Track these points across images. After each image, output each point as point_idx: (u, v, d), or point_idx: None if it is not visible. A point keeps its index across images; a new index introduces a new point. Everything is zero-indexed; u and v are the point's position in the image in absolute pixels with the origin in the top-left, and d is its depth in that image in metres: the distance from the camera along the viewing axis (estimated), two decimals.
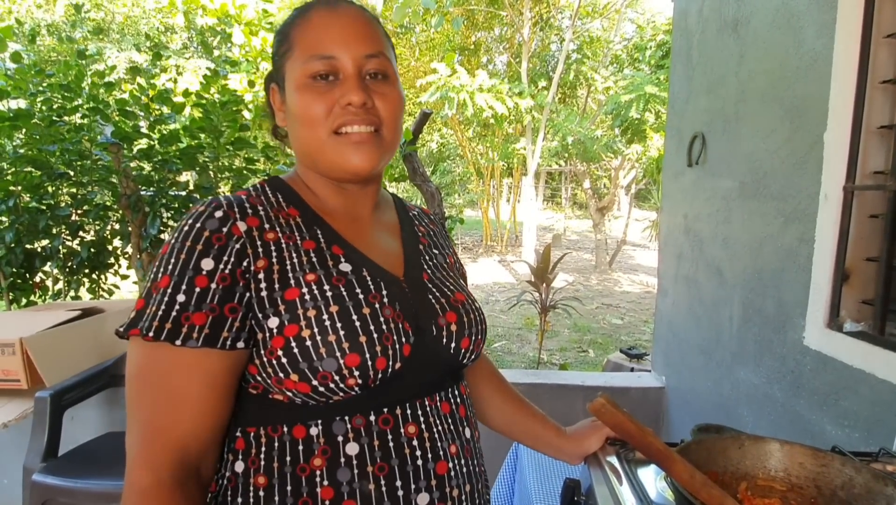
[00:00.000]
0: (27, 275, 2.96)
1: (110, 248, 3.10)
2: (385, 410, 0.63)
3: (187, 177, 3.11)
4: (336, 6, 0.68)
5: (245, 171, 3.08)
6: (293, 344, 0.59)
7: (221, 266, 0.59)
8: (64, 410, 1.81)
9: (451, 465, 0.65)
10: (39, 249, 2.90)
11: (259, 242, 0.63)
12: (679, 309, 2.19)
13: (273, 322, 0.60)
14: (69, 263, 2.99)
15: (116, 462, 1.84)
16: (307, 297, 0.61)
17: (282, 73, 0.69)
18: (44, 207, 2.81)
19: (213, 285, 0.59)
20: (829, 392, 1.28)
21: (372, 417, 0.62)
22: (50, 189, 2.87)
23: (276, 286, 0.61)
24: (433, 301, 0.70)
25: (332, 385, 0.59)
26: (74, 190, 2.96)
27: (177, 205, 2.95)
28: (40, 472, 1.66)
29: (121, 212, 2.93)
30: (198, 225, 0.61)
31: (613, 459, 0.85)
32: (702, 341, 1.97)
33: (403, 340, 0.63)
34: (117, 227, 3.05)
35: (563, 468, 1.28)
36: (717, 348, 1.85)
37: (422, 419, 0.65)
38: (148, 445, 0.57)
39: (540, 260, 5.07)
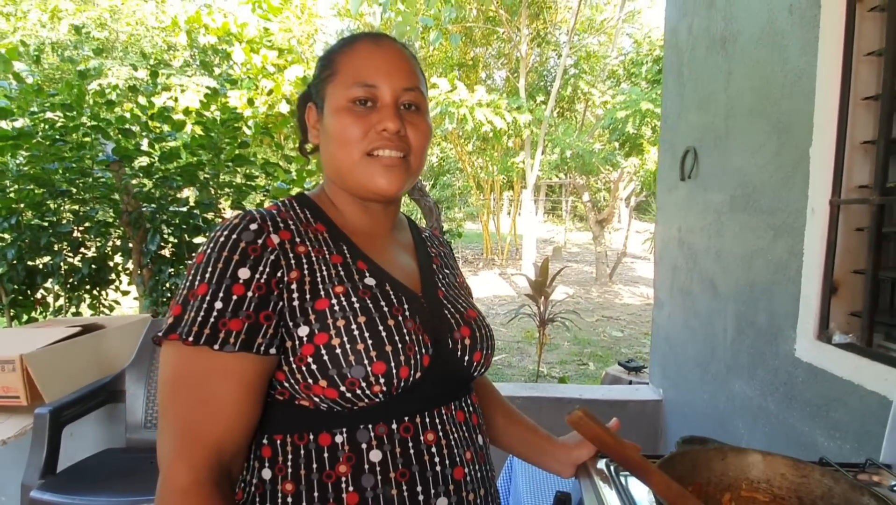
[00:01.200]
0: (28, 291, 2.98)
1: (111, 264, 3.12)
2: (406, 418, 0.66)
3: (188, 193, 3.15)
4: (380, 41, 0.74)
5: (245, 188, 3.12)
6: (323, 351, 0.63)
7: (257, 276, 0.63)
8: (63, 426, 1.82)
9: (466, 470, 0.69)
10: (41, 266, 2.93)
11: (291, 255, 0.67)
12: (675, 321, 2.21)
13: (303, 330, 0.64)
14: (70, 280, 3.01)
15: (115, 479, 1.85)
16: (336, 307, 0.65)
17: (322, 94, 0.74)
18: (46, 224, 2.84)
19: (250, 294, 0.62)
20: (820, 404, 1.29)
21: (394, 426, 0.66)
22: (52, 206, 2.90)
23: (308, 296, 0.65)
24: (449, 316, 0.75)
25: (358, 391, 0.63)
26: (76, 207, 2.99)
27: (177, 221, 2.98)
28: (38, 488, 1.66)
29: (122, 228, 2.96)
30: (234, 236, 0.64)
31: (603, 469, 0.86)
32: (697, 354, 1.99)
33: (423, 351, 0.67)
34: (118, 243, 3.08)
35: (555, 482, 1.28)
36: (713, 361, 1.86)
37: (440, 427, 0.69)
38: (187, 445, 0.60)
39: (538, 273, 5.08)
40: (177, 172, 2.94)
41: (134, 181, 2.95)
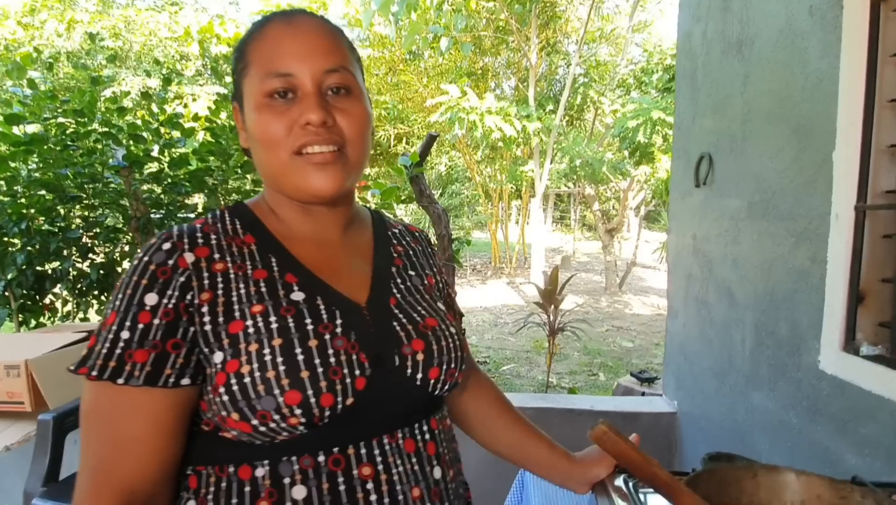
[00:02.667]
0: (37, 297, 2.98)
1: (119, 270, 3.12)
2: (336, 449, 0.59)
3: (197, 199, 3.15)
4: (293, 19, 0.64)
5: (253, 193, 3.11)
6: (233, 381, 0.56)
7: (165, 300, 0.58)
8: (66, 433, 1.79)
9: None
10: (50, 271, 2.93)
11: (206, 274, 0.61)
12: (690, 331, 2.15)
13: (218, 357, 0.58)
14: (79, 285, 3.01)
15: None
16: (251, 329, 0.59)
17: (240, 91, 0.67)
18: (55, 230, 2.85)
19: (157, 321, 0.57)
20: (847, 418, 1.24)
21: (321, 458, 0.58)
22: (62, 212, 2.91)
23: (221, 319, 0.59)
24: (398, 328, 0.66)
25: (272, 424, 0.56)
26: (86, 213, 3.00)
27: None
28: (41, 496, 1.64)
29: (131, 234, 2.96)
30: (145, 259, 0.60)
31: (622, 487, 0.82)
32: (714, 365, 1.93)
33: (357, 372, 0.60)
34: (127, 249, 3.07)
35: (571, 499, 1.23)
36: (730, 372, 1.80)
37: (379, 459, 0.60)
38: (95, 488, 0.56)
39: (548, 282, 5.03)
40: (186, 179, 2.94)
41: (143, 187, 2.96)
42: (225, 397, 0.57)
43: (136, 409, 0.57)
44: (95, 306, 3.12)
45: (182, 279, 0.59)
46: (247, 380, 0.56)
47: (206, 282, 0.60)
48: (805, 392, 1.39)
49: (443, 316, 0.72)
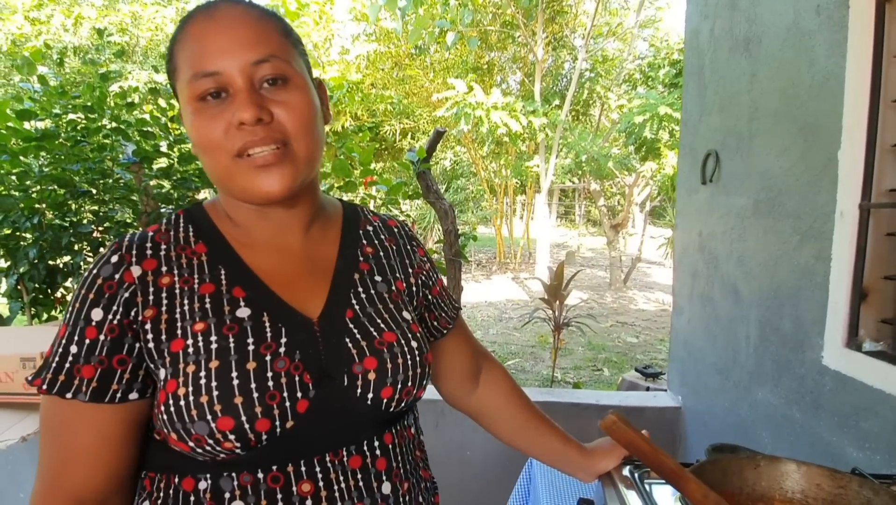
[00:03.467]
0: (49, 290, 3.02)
1: None
2: (275, 467, 0.58)
3: (205, 194, 3.18)
4: (214, 11, 0.59)
5: None
6: (171, 402, 0.56)
7: (110, 316, 0.57)
8: None
9: None
10: (61, 265, 2.97)
11: (151, 289, 0.59)
12: (695, 327, 2.17)
13: (162, 374, 0.58)
14: None
15: None
16: (191, 349, 0.57)
17: (176, 96, 0.63)
18: (66, 224, 2.89)
19: (102, 337, 0.57)
20: (849, 413, 1.26)
21: (260, 475, 0.58)
22: (73, 207, 2.95)
23: (164, 337, 0.58)
24: (350, 345, 0.63)
25: (208, 448, 0.56)
26: (96, 207, 3.03)
27: None
28: None
29: (141, 229, 2.99)
30: (94, 271, 0.59)
31: (628, 476, 0.84)
32: (718, 361, 1.95)
33: (299, 395, 0.58)
34: None
35: (577, 488, 1.26)
36: (734, 368, 1.82)
37: (320, 476, 0.59)
38: (45, 494, 0.58)
39: (553, 277, 5.05)
40: (195, 174, 2.97)
41: (153, 182, 2.99)
42: (164, 417, 0.56)
43: (84, 422, 0.57)
44: None
45: (126, 295, 0.58)
46: (182, 403, 0.55)
47: (150, 298, 0.59)
48: (808, 387, 1.41)
49: (405, 329, 0.67)
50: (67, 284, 3.04)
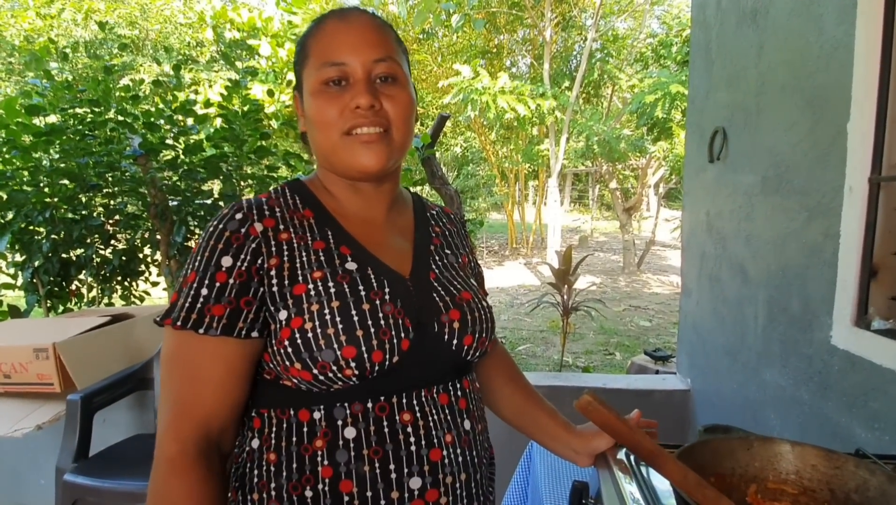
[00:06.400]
0: (63, 283, 3.08)
1: (140, 255, 3.20)
2: (382, 398, 0.67)
3: (212, 185, 3.19)
4: (347, 16, 0.72)
5: (267, 179, 3.14)
6: (297, 335, 0.64)
7: (239, 263, 0.66)
8: (94, 412, 1.87)
9: (445, 453, 0.68)
10: (74, 258, 3.02)
11: (273, 242, 0.68)
12: (703, 309, 2.14)
13: (283, 315, 0.66)
14: (102, 271, 3.10)
15: (144, 463, 1.89)
16: (312, 292, 0.66)
17: (300, 81, 0.75)
18: (78, 218, 2.92)
19: (231, 281, 0.65)
20: (857, 393, 1.23)
21: (369, 404, 0.66)
22: (83, 200, 2.98)
23: (286, 282, 0.67)
24: (437, 299, 0.73)
25: (330, 374, 0.64)
26: (106, 201, 3.07)
27: (202, 213, 3.03)
28: (71, 472, 1.72)
29: (150, 221, 3.02)
30: (220, 226, 0.67)
31: (623, 460, 0.83)
32: (726, 342, 1.92)
33: (402, 335, 0.67)
34: (147, 235, 3.14)
35: (573, 471, 1.25)
36: (743, 349, 1.79)
37: (417, 408, 0.68)
38: (176, 419, 0.64)
39: (561, 262, 5.01)
40: (201, 165, 2.99)
41: (160, 174, 3.01)
42: (289, 349, 0.64)
43: (214, 355, 0.65)
44: (119, 291, 3.21)
45: (253, 245, 0.67)
46: (309, 335, 0.64)
47: (273, 249, 0.68)
48: (816, 368, 1.38)
49: (475, 291, 0.79)
50: (81, 276, 3.09)
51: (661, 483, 0.77)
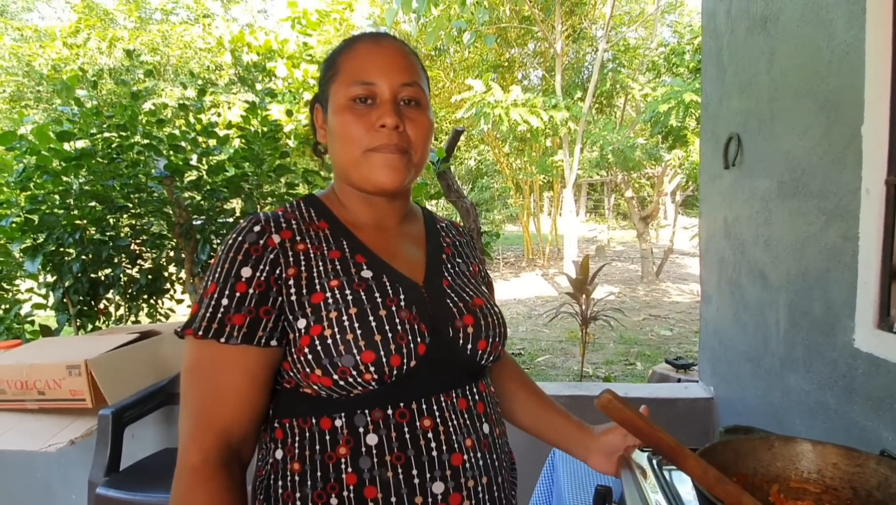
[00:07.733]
0: (92, 302, 3.17)
1: (166, 274, 3.28)
2: (402, 404, 0.68)
3: (234, 204, 3.27)
4: (379, 39, 0.76)
5: (287, 196, 3.21)
6: (317, 342, 0.66)
7: (258, 274, 0.68)
8: (125, 426, 1.92)
9: (465, 457, 0.69)
10: (103, 278, 3.11)
11: (290, 253, 0.71)
12: (724, 316, 2.12)
13: (301, 323, 0.67)
14: (129, 290, 3.18)
15: (173, 476, 1.94)
16: (330, 300, 0.68)
17: (326, 95, 0.77)
18: (106, 238, 3.02)
19: (251, 291, 0.67)
20: (883, 396, 1.21)
21: (389, 411, 0.67)
22: (111, 221, 3.08)
23: (304, 291, 0.69)
24: (451, 305, 0.75)
25: (350, 379, 0.65)
26: (133, 221, 3.16)
27: (225, 231, 3.10)
28: (103, 485, 1.76)
29: (175, 240, 3.11)
30: (239, 238, 0.70)
31: (644, 464, 0.84)
32: (749, 348, 1.90)
33: (419, 339, 0.69)
34: (172, 254, 3.23)
35: (597, 477, 1.26)
36: (765, 355, 1.77)
37: (437, 414, 0.69)
38: (198, 429, 0.65)
39: (579, 271, 4.99)
40: (223, 185, 3.06)
41: (185, 195, 3.10)
42: (310, 356, 0.66)
43: (234, 364, 0.67)
44: (145, 309, 3.29)
45: (272, 256, 0.69)
46: (329, 341, 0.65)
47: (290, 259, 0.70)
48: (841, 371, 1.36)
49: (487, 297, 0.82)
50: (109, 295, 3.18)
51: (683, 486, 0.78)
